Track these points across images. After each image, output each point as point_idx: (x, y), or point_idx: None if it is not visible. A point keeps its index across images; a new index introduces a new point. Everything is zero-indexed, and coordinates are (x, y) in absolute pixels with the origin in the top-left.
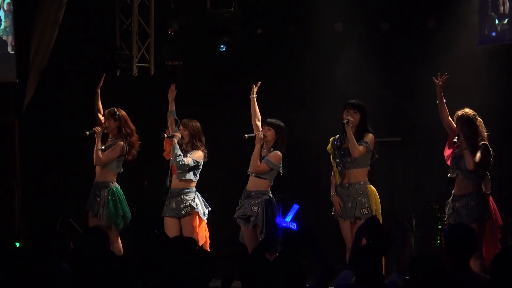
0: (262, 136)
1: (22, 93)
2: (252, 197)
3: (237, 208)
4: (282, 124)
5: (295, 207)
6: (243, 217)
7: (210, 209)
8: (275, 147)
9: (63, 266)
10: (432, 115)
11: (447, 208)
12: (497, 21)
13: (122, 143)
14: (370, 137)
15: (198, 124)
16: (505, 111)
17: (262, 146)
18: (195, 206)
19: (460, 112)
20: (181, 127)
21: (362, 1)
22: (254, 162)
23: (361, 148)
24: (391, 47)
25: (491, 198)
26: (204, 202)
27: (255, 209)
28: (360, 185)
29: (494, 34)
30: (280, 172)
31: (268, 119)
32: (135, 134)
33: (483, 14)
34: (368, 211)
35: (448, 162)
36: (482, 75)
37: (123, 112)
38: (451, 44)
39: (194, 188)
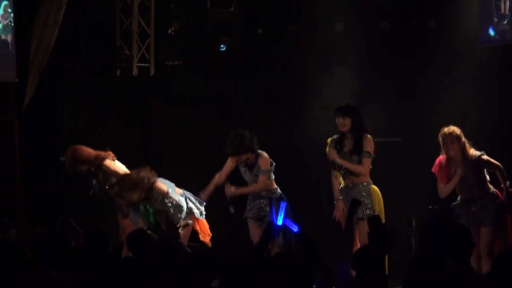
0: (233, 190)
1: (22, 92)
2: (263, 197)
3: (247, 209)
4: (245, 134)
5: (283, 205)
6: (256, 217)
7: (205, 204)
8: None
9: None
10: (432, 115)
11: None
12: (497, 21)
13: (106, 168)
14: (369, 143)
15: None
16: (505, 111)
17: (247, 164)
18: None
19: (447, 130)
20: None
21: (362, 1)
22: (257, 187)
23: (365, 162)
24: (391, 47)
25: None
26: (197, 200)
27: (267, 208)
28: (363, 185)
29: (494, 34)
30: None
31: (227, 148)
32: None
33: (483, 14)
34: (371, 211)
35: (456, 190)
36: (482, 75)
37: (71, 154)
38: (451, 44)
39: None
